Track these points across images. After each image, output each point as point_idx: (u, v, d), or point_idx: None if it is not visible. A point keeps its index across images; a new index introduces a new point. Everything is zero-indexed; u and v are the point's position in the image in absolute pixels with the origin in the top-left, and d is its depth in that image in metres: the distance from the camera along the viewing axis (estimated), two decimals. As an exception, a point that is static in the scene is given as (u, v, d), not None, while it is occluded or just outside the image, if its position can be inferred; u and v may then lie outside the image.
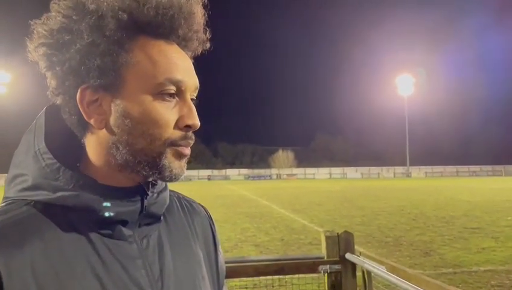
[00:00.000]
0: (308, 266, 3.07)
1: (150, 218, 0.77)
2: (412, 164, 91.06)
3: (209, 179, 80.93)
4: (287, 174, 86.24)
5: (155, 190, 0.77)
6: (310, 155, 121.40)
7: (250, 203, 23.13)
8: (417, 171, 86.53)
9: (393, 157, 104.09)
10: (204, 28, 0.79)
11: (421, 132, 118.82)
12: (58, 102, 0.74)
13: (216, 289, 0.89)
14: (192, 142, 0.75)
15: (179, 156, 0.73)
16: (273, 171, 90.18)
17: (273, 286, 3.33)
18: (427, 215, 16.33)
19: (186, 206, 0.90)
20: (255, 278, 3.35)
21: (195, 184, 53.24)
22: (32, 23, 0.71)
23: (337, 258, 3.06)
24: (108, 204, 0.69)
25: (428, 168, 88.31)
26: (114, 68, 0.69)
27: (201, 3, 0.77)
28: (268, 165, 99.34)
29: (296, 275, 3.20)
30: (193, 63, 0.79)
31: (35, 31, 0.71)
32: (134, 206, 0.73)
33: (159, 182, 0.78)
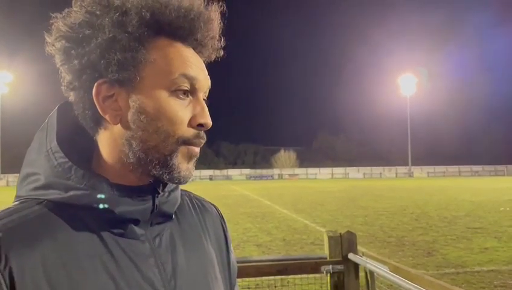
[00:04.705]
0: (311, 266, 3.06)
1: (161, 217, 0.77)
2: (414, 164, 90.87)
3: (211, 179, 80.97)
4: (289, 174, 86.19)
5: (166, 189, 0.78)
6: (312, 155, 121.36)
7: (252, 203, 23.13)
8: (419, 171, 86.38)
9: (396, 157, 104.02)
10: (219, 36, 0.81)
11: (423, 131, 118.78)
12: (71, 98, 0.74)
13: (228, 287, 0.89)
14: (203, 141, 0.76)
15: (189, 157, 0.74)
16: (275, 171, 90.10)
17: (275, 287, 3.32)
18: (429, 215, 16.30)
19: (198, 205, 0.91)
20: (257, 279, 3.34)
21: (197, 184, 53.31)
22: (53, 16, 0.72)
23: (339, 259, 3.05)
24: (102, 196, 0.69)
25: (430, 168, 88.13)
26: (133, 64, 0.70)
27: (219, 12, 0.79)
28: (270, 165, 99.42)
29: (299, 276, 3.20)
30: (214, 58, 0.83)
31: (55, 25, 0.71)
32: (146, 205, 0.73)
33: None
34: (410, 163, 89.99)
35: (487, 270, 7.66)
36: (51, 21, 0.72)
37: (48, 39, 0.72)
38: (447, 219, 15.06)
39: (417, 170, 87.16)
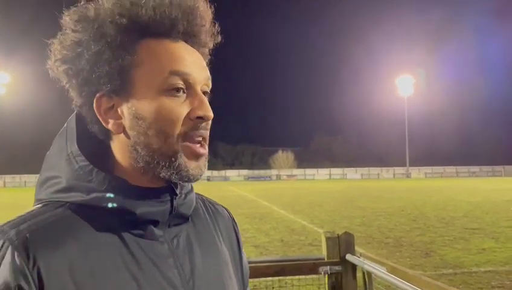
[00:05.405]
0: (309, 267, 3.06)
1: (179, 218, 0.79)
2: (411, 165, 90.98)
3: (208, 180, 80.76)
4: (287, 175, 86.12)
5: (183, 191, 0.79)
6: (309, 156, 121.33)
7: (250, 204, 23.13)
8: (417, 172, 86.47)
9: (393, 158, 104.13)
10: (212, 22, 0.80)
11: (420, 132, 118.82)
12: (82, 113, 0.76)
13: (242, 288, 0.91)
14: (205, 132, 0.75)
15: (195, 156, 0.74)
16: (273, 172, 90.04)
17: (273, 288, 3.32)
18: (427, 216, 16.33)
19: (211, 207, 0.93)
20: (255, 280, 3.34)
21: (194, 185, 52.75)
22: (49, 42, 0.75)
23: (337, 259, 3.05)
24: (111, 195, 0.71)
25: (428, 169, 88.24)
26: (121, 72, 0.71)
27: None
28: (268, 166, 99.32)
29: (297, 276, 3.19)
30: (210, 60, 0.82)
31: (52, 49, 0.74)
32: (165, 207, 0.75)
33: (185, 183, 0.79)
34: (407, 164, 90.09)
35: (484, 271, 7.68)
36: (49, 46, 0.74)
37: (49, 63, 0.75)
38: (445, 219, 15.09)
39: (415, 171, 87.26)
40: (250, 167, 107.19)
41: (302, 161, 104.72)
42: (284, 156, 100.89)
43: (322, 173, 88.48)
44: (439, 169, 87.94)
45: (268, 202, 24.25)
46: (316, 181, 70.15)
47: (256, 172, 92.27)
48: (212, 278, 0.79)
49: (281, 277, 3.17)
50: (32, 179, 73.09)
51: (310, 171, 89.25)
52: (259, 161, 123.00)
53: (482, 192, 29.62)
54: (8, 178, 72.51)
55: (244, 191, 37.32)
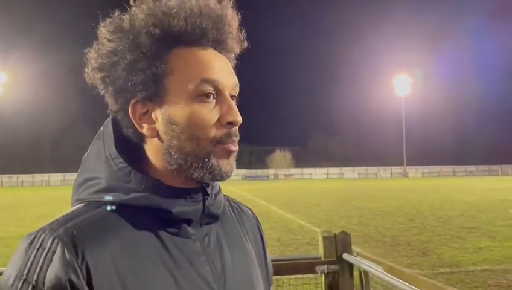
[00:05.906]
0: (306, 266, 3.06)
1: (209, 218, 0.83)
2: (409, 164, 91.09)
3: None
4: (285, 175, 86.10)
5: (213, 191, 0.82)
6: (307, 155, 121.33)
7: (248, 204, 22.53)
8: (414, 171, 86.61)
9: (391, 157, 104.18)
10: (238, 29, 0.84)
11: (418, 132, 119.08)
12: (118, 118, 0.80)
13: (267, 286, 0.94)
14: (237, 138, 0.80)
15: (227, 154, 0.78)
16: (271, 172, 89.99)
17: (270, 287, 3.33)
18: (424, 215, 16.37)
19: (236, 207, 0.97)
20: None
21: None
22: (86, 51, 0.79)
23: (334, 259, 3.06)
24: (110, 197, 0.74)
25: (425, 168, 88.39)
26: (155, 80, 0.76)
27: (230, 5, 0.82)
28: (265, 166, 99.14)
29: (293, 276, 3.20)
30: (237, 64, 0.87)
31: (88, 58, 0.79)
32: (198, 206, 0.79)
33: (214, 184, 0.84)
34: (405, 163, 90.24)
35: (481, 270, 7.70)
36: (86, 55, 0.79)
37: (87, 71, 0.80)
38: (442, 218, 15.13)
39: (412, 170, 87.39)
40: (248, 166, 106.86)
41: (300, 161, 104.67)
42: (281, 155, 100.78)
43: (319, 172, 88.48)
44: (436, 168, 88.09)
45: (266, 202, 24.24)
46: (313, 181, 70.18)
47: (254, 171, 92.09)
48: (241, 275, 0.83)
49: (278, 276, 3.17)
50: (29, 178, 72.96)
51: (307, 171, 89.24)
52: (256, 160, 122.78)
53: (478, 191, 29.70)
54: (5, 178, 72.24)
55: (241, 191, 37.27)
